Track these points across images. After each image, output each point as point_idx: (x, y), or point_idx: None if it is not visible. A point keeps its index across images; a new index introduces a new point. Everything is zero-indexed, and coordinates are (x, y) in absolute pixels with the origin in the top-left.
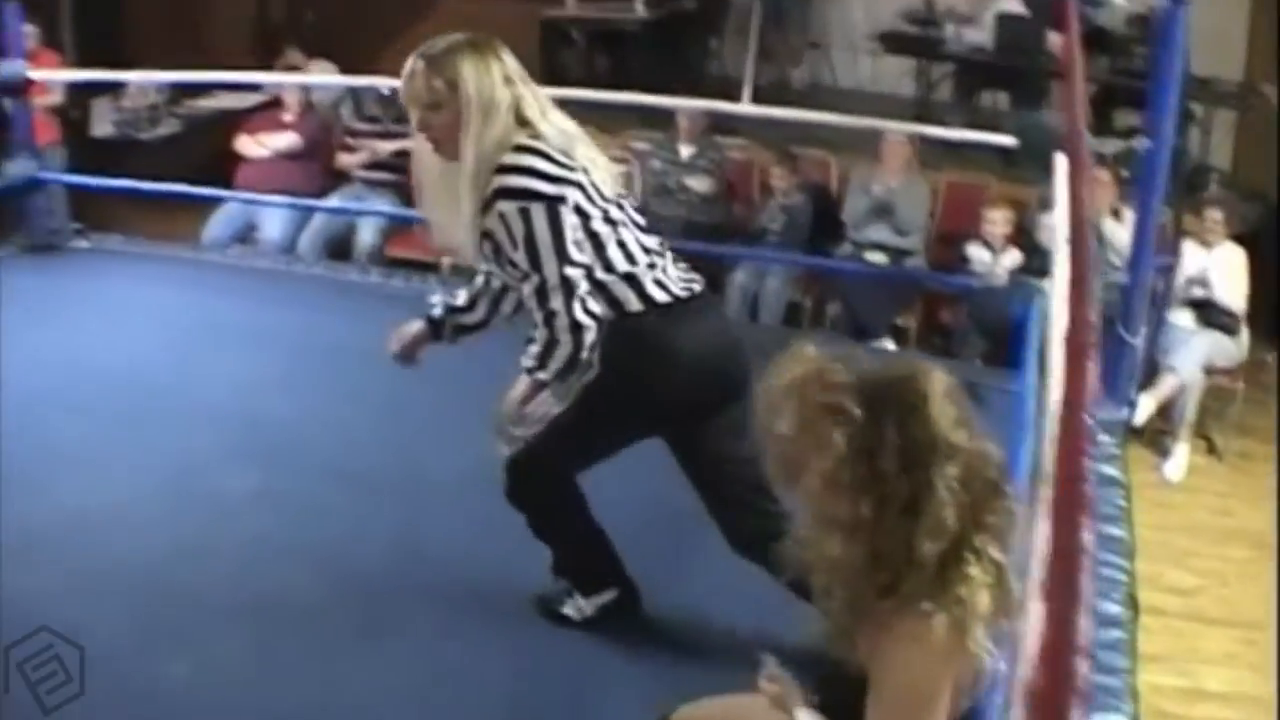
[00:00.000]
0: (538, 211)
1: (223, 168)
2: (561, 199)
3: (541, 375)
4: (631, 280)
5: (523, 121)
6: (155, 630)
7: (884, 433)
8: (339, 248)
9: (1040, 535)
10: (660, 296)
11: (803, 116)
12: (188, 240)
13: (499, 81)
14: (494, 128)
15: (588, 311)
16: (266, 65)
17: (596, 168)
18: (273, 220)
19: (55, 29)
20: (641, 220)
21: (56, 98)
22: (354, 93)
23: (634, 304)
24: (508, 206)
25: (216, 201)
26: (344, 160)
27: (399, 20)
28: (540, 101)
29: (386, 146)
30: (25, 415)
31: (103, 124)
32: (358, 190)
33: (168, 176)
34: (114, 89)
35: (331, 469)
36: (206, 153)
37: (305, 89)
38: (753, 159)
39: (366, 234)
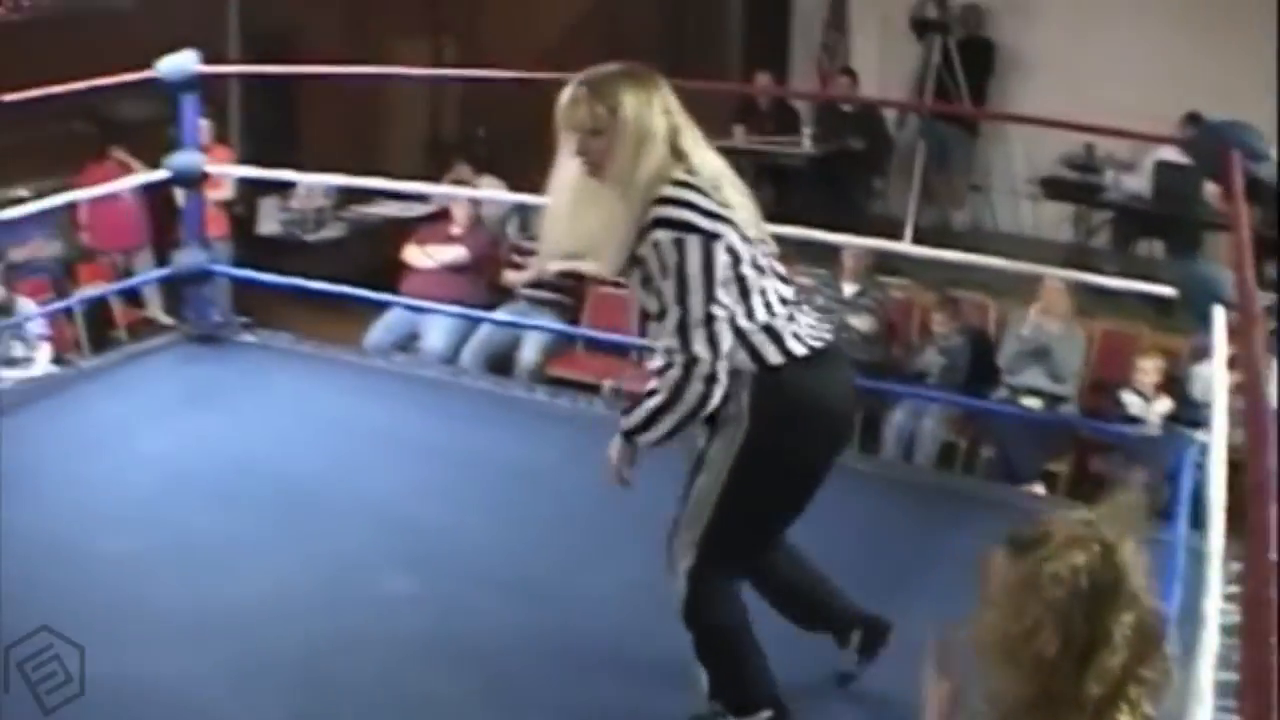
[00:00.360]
0: (693, 244)
1: (384, 275)
2: (717, 236)
3: (650, 435)
4: (770, 332)
5: (678, 153)
6: None
7: (1079, 580)
8: (500, 364)
9: (1205, 674)
10: (798, 350)
11: (967, 260)
12: (345, 344)
13: (658, 111)
14: (651, 156)
15: (726, 359)
16: (435, 179)
17: (744, 209)
18: (436, 331)
19: (224, 125)
20: (781, 269)
21: (227, 192)
22: (521, 210)
23: (774, 357)
24: (663, 235)
25: (378, 307)
26: (509, 277)
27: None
28: (695, 134)
29: (553, 266)
30: (183, 502)
31: (269, 222)
32: (522, 308)
33: (329, 279)
34: (282, 189)
35: (489, 578)
36: (369, 259)
37: (474, 204)
38: (913, 299)
39: (529, 352)
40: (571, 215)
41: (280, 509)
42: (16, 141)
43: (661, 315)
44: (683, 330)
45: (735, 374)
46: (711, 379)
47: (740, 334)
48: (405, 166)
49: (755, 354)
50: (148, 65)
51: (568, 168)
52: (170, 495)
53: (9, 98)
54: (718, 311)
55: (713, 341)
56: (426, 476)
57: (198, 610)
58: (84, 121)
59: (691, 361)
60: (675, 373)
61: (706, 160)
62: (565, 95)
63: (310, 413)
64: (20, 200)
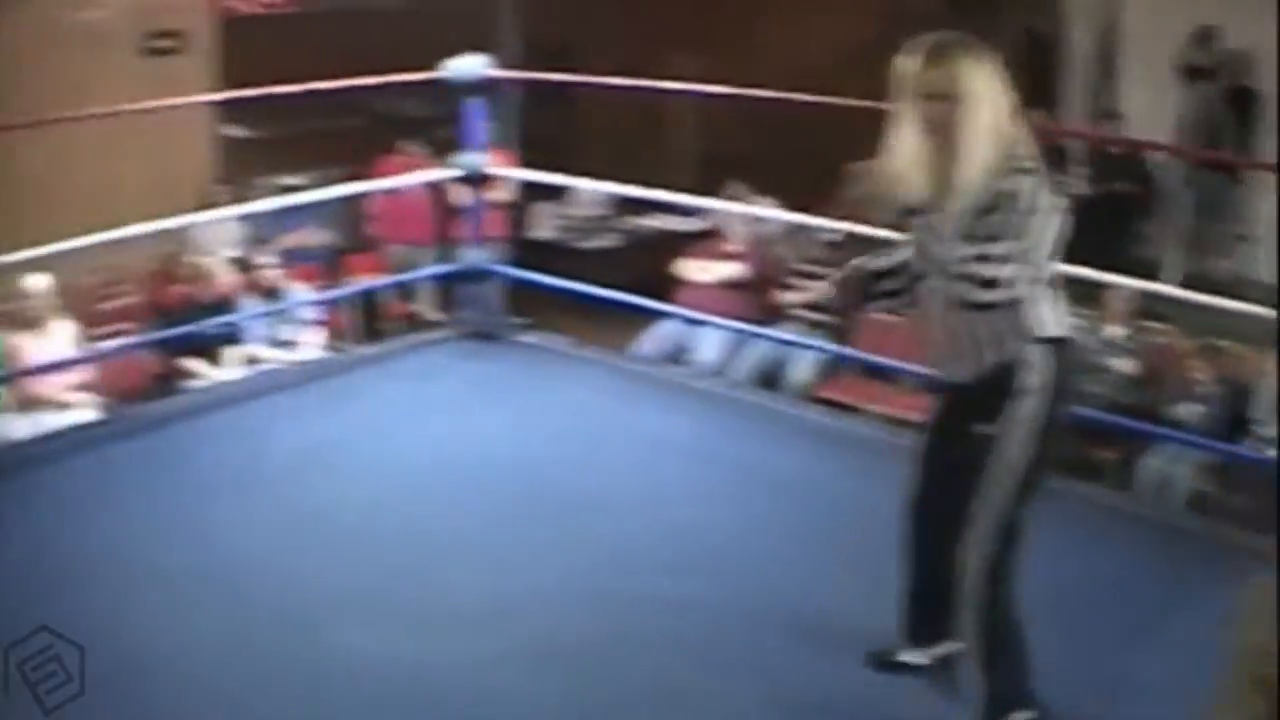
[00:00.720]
0: (1055, 202)
1: (654, 288)
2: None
3: (985, 290)
4: (1060, 303)
5: (1010, 122)
6: (591, 714)
7: None
8: (768, 382)
9: None
10: (1069, 330)
11: (1237, 308)
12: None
13: (991, 78)
14: (993, 120)
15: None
16: (706, 195)
17: None
18: (708, 345)
19: (504, 129)
20: None
21: (507, 195)
22: (795, 231)
23: (1065, 329)
24: (1037, 183)
25: (645, 317)
26: (784, 298)
27: (841, 164)
28: (1018, 109)
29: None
30: (454, 492)
31: (543, 227)
32: (795, 329)
33: (599, 288)
34: (556, 195)
35: (763, 584)
36: (641, 270)
37: (753, 222)
38: (1174, 346)
39: (798, 372)
40: (916, 177)
41: (552, 506)
42: (285, 133)
43: (995, 239)
44: (1017, 260)
45: (1032, 342)
46: (989, 305)
47: (1048, 295)
48: (677, 181)
49: (1056, 320)
50: (414, 65)
51: (908, 134)
52: (442, 484)
53: (288, 89)
54: (1046, 262)
55: (1031, 281)
56: (698, 483)
57: (474, 599)
58: (352, 115)
59: (993, 281)
60: (976, 276)
61: (1024, 138)
62: (907, 63)
63: (585, 414)
64: (289, 189)
